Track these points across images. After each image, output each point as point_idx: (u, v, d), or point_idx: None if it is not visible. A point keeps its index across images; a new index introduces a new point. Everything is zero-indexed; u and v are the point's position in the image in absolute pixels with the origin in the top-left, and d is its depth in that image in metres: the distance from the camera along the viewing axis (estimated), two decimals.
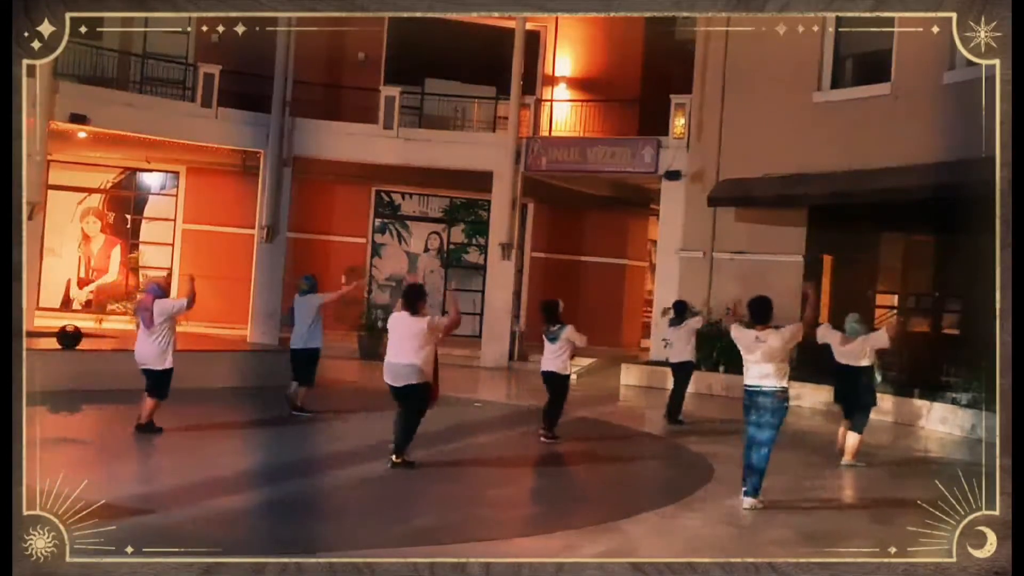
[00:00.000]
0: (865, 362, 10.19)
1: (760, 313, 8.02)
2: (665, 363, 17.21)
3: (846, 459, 10.18)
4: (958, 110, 12.94)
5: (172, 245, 21.52)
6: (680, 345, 12.95)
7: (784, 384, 7.96)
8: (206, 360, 13.35)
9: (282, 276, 20.04)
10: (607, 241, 22.94)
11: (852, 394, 10.30)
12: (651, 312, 20.14)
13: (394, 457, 8.80)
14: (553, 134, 20.97)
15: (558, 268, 22.32)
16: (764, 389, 7.91)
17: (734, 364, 15.71)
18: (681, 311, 13.24)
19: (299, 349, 11.65)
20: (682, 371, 13.08)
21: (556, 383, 10.96)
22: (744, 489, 8.02)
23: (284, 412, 11.47)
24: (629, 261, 23.35)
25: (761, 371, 7.93)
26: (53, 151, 18.30)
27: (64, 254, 20.90)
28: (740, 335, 8.13)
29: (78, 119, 17.60)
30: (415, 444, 8.95)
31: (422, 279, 21.35)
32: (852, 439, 10.18)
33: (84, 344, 12.87)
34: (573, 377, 12.34)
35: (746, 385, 8.08)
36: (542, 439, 10.81)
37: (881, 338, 10.35)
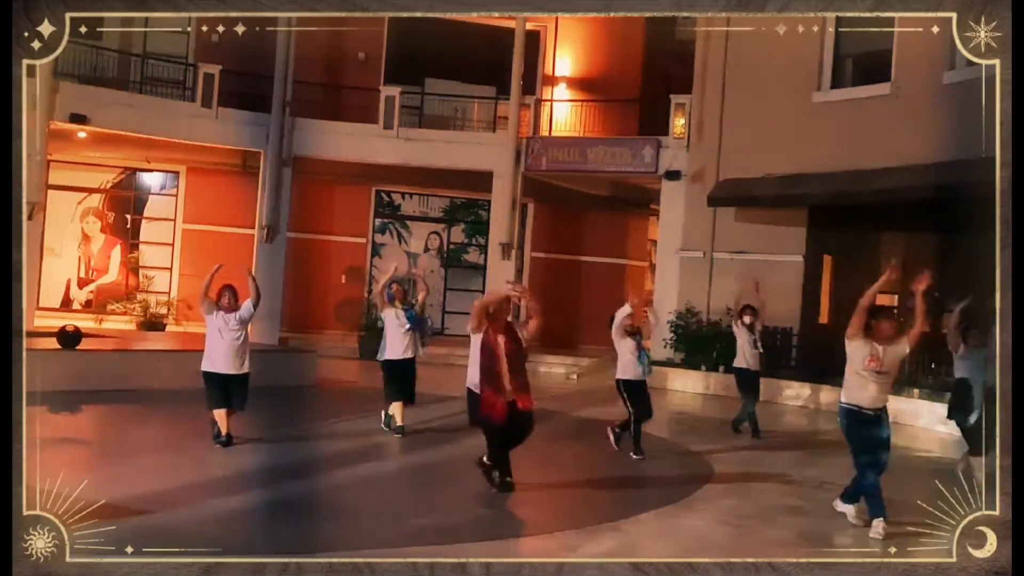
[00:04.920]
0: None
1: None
2: (677, 364, 17.34)
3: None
4: (958, 110, 12.91)
5: (172, 245, 21.48)
6: (755, 352, 12.05)
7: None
8: None
9: (282, 276, 20.05)
10: (607, 241, 22.91)
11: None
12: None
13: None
14: (553, 134, 20.96)
15: (558, 268, 22.31)
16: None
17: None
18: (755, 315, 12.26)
19: (395, 360, 10.55)
20: (758, 381, 12.25)
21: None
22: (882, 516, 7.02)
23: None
24: (629, 261, 23.33)
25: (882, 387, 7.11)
26: (53, 151, 18.30)
27: (64, 254, 20.87)
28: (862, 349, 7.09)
29: (78, 119, 17.60)
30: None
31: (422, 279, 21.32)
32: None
33: (84, 344, 12.85)
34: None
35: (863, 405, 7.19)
36: (633, 456, 10.03)
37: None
